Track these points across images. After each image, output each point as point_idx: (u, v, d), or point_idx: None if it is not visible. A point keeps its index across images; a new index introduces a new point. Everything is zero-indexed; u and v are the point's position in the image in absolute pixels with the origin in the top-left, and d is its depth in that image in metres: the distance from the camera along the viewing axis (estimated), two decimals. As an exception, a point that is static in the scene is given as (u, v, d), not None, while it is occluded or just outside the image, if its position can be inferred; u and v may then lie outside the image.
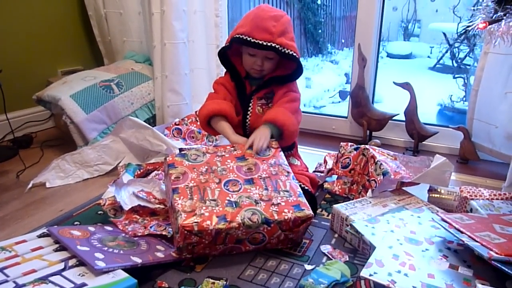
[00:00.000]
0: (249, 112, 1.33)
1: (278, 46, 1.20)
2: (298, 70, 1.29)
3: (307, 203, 1.06)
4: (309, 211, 1.03)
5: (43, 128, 2.10)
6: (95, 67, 2.09)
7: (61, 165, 1.52)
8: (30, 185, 1.44)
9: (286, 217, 1.00)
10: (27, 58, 2.03)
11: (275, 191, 1.06)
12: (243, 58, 1.30)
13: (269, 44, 1.20)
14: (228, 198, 1.03)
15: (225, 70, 1.38)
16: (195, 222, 0.96)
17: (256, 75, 1.31)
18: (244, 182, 1.07)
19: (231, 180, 1.07)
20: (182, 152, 1.14)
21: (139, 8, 2.05)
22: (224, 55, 1.34)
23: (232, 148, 1.18)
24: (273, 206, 1.02)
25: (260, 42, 1.21)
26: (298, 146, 1.43)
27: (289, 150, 1.36)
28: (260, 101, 1.33)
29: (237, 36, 1.23)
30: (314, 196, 1.22)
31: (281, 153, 1.19)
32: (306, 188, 1.21)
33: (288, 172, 1.12)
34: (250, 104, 1.32)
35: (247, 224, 0.98)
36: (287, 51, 1.21)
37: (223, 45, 1.32)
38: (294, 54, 1.22)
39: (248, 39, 1.22)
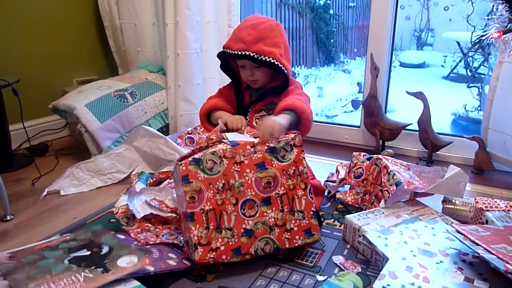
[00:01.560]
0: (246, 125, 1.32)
1: (253, 54, 1.20)
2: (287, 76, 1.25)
3: (317, 224, 1.08)
4: (317, 236, 1.07)
5: (59, 137, 2.14)
6: (110, 77, 2.13)
7: (76, 173, 1.54)
8: (45, 193, 1.46)
9: (296, 244, 1.05)
10: (44, 68, 2.07)
11: (290, 212, 1.05)
12: (240, 70, 1.31)
13: (243, 53, 1.20)
14: (244, 226, 1.01)
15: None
16: (211, 258, 0.98)
17: (253, 86, 1.31)
18: (261, 202, 1.04)
19: (249, 201, 1.03)
20: (197, 157, 1.02)
21: (153, 19, 2.08)
22: (229, 67, 1.35)
23: (252, 149, 1.05)
24: (286, 233, 1.04)
25: (235, 52, 1.22)
26: (310, 155, 1.42)
27: None
28: (259, 113, 1.31)
29: (221, 50, 1.27)
30: (318, 213, 1.19)
31: (303, 154, 1.10)
32: None
33: (305, 184, 1.08)
34: (247, 117, 1.31)
35: (259, 255, 1.02)
36: (264, 58, 1.19)
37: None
38: (271, 60, 1.20)
39: (227, 51, 1.24)
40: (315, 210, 1.08)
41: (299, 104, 1.18)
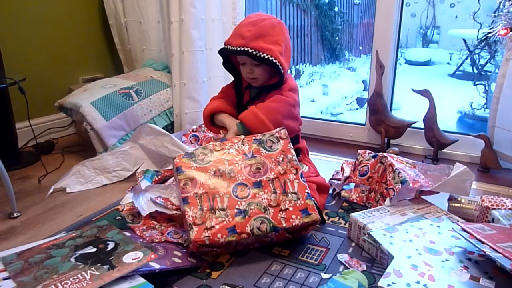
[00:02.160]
0: None
1: (252, 50, 1.20)
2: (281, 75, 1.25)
3: (314, 205, 1.07)
4: (316, 215, 1.05)
5: (65, 135, 2.15)
6: (115, 75, 2.13)
7: (81, 171, 1.55)
8: (51, 190, 1.47)
9: (294, 224, 1.03)
10: (50, 66, 2.09)
11: (283, 194, 1.06)
12: (240, 68, 1.31)
13: (241, 49, 1.21)
14: (237, 206, 1.03)
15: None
16: (207, 237, 0.99)
17: (253, 84, 1.31)
18: (253, 185, 1.07)
19: (240, 184, 1.06)
20: (190, 152, 1.12)
21: (158, 17, 2.09)
22: (232, 66, 1.35)
23: (240, 142, 1.14)
24: (281, 212, 1.04)
25: (235, 48, 1.22)
26: (315, 153, 1.41)
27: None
28: None
29: (222, 47, 1.28)
30: (317, 205, 1.17)
31: (290, 144, 1.15)
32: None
33: (296, 170, 1.10)
34: None
35: (256, 234, 1.01)
36: (262, 55, 1.19)
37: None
38: (269, 57, 1.20)
39: (227, 47, 1.25)
40: (309, 192, 1.08)
41: (248, 119, 1.22)
